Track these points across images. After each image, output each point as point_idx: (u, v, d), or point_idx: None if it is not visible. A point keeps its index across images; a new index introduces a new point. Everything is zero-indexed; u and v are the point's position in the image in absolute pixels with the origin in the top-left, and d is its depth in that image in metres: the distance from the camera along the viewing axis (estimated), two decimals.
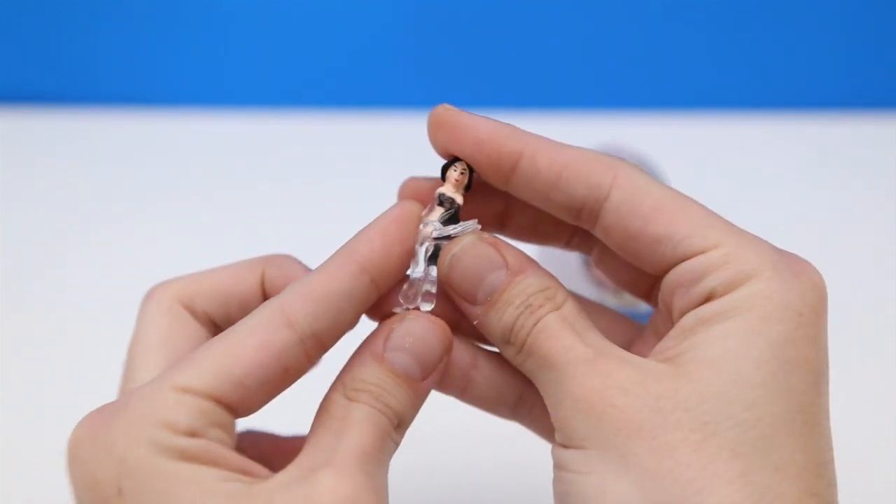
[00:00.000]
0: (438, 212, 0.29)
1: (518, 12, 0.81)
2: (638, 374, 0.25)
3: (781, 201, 0.70)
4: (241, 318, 0.27)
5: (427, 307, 0.29)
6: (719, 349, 0.25)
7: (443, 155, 0.30)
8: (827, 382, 0.26)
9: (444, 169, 0.30)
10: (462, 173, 0.29)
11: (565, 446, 0.26)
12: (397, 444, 0.27)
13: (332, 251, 0.29)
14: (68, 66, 0.83)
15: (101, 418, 0.25)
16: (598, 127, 0.76)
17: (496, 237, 0.29)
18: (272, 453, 0.31)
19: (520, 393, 0.31)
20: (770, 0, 0.81)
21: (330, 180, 0.73)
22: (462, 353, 0.31)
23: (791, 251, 0.27)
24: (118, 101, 0.82)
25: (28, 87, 0.83)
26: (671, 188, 0.28)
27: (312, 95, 0.83)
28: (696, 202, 0.27)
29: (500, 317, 0.27)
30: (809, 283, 0.26)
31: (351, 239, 0.28)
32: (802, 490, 0.24)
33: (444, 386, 0.31)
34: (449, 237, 0.29)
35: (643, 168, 0.28)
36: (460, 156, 0.29)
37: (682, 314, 0.26)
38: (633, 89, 0.83)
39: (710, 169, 0.74)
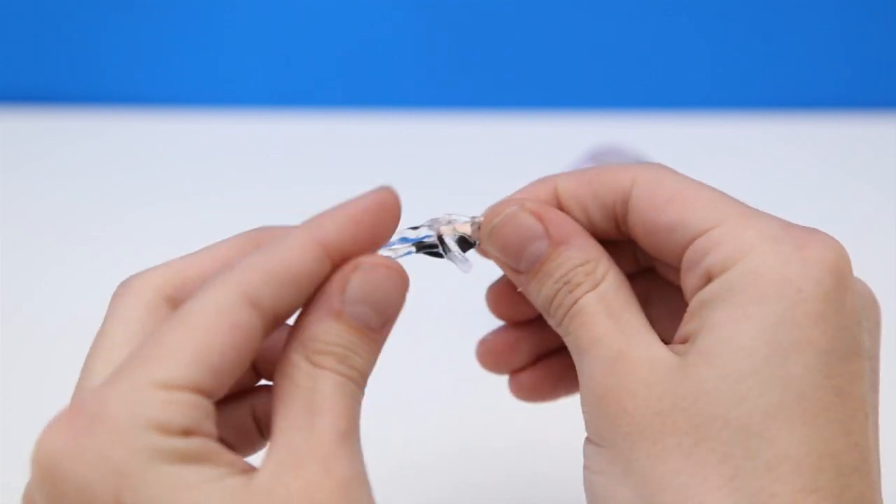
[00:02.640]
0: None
1: (518, 12, 0.81)
2: (649, 374, 0.25)
3: (781, 201, 0.69)
4: None
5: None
6: (712, 338, 0.24)
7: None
8: (844, 360, 0.24)
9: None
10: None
11: (589, 440, 0.27)
12: (361, 399, 0.26)
13: None
14: (68, 66, 0.83)
15: (78, 426, 0.23)
16: (597, 127, 0.76)
17: (542, 205, 0.28)
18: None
19: None
20: (770, 0, 0.81)
21: (331, 180, 0.73)
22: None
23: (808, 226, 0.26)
24: (119, 100, 0.82)
25: (28, 87, 0.83)
26: (690, 180, 0.28)
27: (313, 95, 0.83)
28: (711, 189, 0.27)
29: (540, 289, 0.28)
30: (815, 255, 0.24)
31: (320, 216, 0.26)
32: (799, 488, 0.23)
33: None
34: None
35: (665, 166, 0.29)
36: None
37: (691, 297, 0.26)
38: (633, 89, 0.83)
39: (711, 169, 0.73)
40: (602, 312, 0.27)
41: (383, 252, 0.28)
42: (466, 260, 0.29)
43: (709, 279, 0.25)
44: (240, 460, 0.24)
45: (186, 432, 0.23)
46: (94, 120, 0.81)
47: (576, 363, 0.27)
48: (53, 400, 0.49)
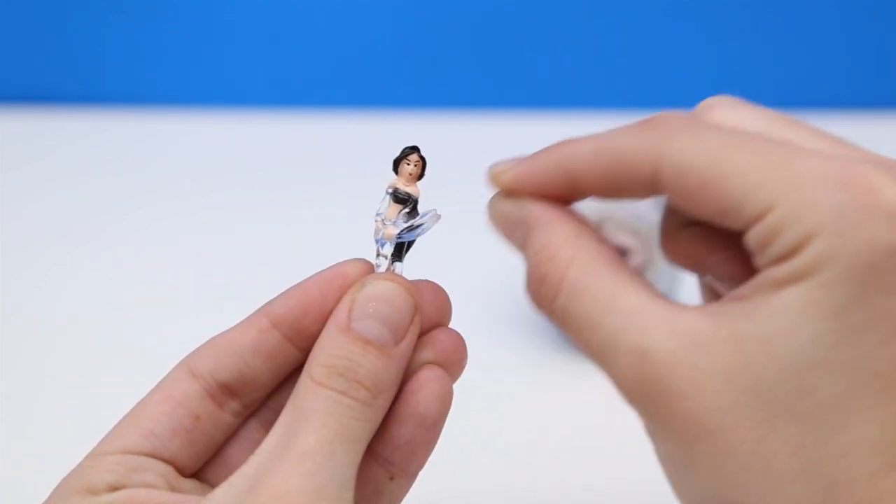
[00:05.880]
0: (395, 208, 0.29)
1: (518, 13, 0.81)
2: (692, 371, 0.23)
3: None
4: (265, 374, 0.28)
5: None
6: (776, 325, 0.22)
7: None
8: None
9: (397, 163, 0.29)
10: (416, 165, 0.29)
11: (646, 428, 0.24)
12: (376, 418, 0.26)
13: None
14: (68, 66, 0.83)
15: None
16: (598, 127, 0.76)
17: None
18: None
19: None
20: (770, 0, 0.81)
21: (331, 180, 0.73)
22: None
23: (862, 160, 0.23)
24: (119, 100, 0.82)
25: (28, 87, 0.83)
26: (719, 140, 0.24)
27: (313, 95, 0.83)
28: (746, 149, 0.24)
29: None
30: (883, 216, 0.22)
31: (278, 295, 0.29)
32: (876, 468, 0.22)
33: None
34: (412, 227, 0.28)
35: (690, 123, 0.25)
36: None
37: (761, 268, 0.24)
38: (633, 89, 0.83)
39: None
40: (589, 316, 0.24)
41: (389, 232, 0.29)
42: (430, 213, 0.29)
43: (779, 261, 0.23)
44: (191, 502, 0.26)
45: (113, 488, 0.26)
46: (94, 120, 0.81)
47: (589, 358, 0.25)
48: (53, 400, 0.49)
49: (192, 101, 0.82)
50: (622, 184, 0.25)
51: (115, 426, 0.28)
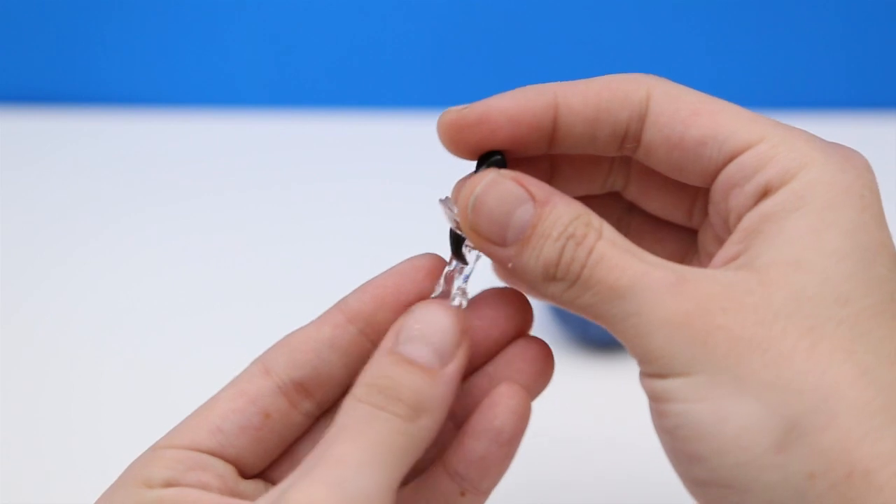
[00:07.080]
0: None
1: (519, 13, 0.81)
2: (727, 290, 0.24)
3: None
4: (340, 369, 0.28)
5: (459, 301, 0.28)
6: (797, 247, 0.24)
7: (473, 157, 0.28)
8: None
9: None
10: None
11: (664, 376, 0.24)
12: (420, 438, 0.25)
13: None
14: (68, 66, 0.83)
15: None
16: None
17: (515, 172, 0.27)
18: None
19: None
20: (770, 0, 0.81)
21: (331, 180, 0.73)
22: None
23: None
24: (118, 101, 0.82)
25: (28, 87, 0.83)
26: (703, 93, 0.27)
27: (313, 95, 0.83)
28: (729, 103, 0.26)
29: (538, 252, 0.25)
30: (861, 164, 0.26)
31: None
32: None
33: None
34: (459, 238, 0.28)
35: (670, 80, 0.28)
36: (501, 142, 0.27)
37: (741, 216, 0.25)
38: None
39: None
40: (626, 253, 0.25)
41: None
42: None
43: (765, 193, 0.25)
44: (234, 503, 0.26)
45: (168, 483, 0.26)
46: (94, 120, 0.81)
47: (611, 314, 0.25)
48: (53, 400, 0.49)
49: (192, 101, 0.82)
50: (612, 108, 0.27)
51: (185, 419, 0.27)
